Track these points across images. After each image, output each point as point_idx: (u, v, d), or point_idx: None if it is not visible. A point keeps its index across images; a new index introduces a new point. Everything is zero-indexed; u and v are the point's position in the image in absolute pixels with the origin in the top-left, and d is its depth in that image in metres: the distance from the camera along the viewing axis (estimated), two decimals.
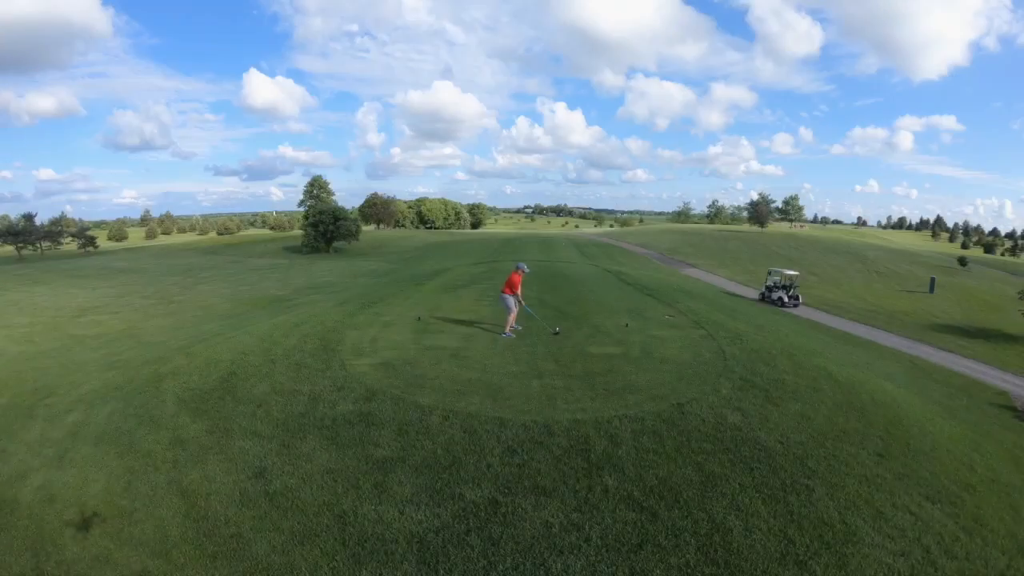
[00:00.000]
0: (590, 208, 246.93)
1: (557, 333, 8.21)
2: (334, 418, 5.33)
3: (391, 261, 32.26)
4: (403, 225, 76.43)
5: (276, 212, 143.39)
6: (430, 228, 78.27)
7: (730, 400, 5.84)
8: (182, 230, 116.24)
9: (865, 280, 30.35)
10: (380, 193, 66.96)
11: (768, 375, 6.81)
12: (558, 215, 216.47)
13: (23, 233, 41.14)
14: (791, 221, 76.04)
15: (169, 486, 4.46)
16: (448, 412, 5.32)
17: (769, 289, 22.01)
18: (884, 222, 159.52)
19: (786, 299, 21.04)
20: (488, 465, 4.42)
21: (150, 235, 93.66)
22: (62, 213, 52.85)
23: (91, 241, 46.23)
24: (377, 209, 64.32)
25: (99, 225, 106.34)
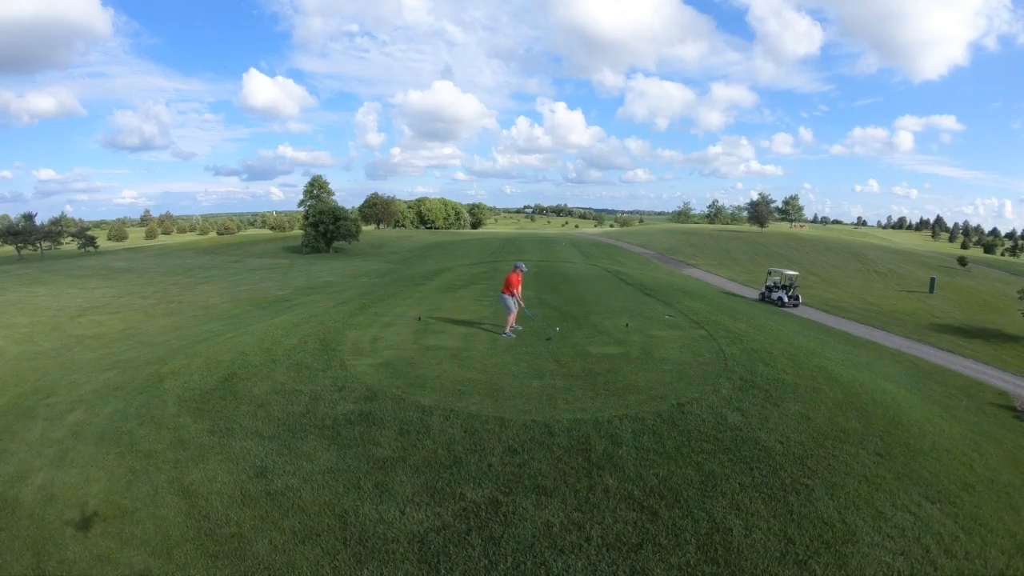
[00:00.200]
0: (590, 208, 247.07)
1: (550, 339, 8.11)
2: (335, 418, 5.34)
3: (391, 261, 32.28)
4: (403, 225, 76.46)
5: (276, 212, 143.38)
6: (430, 228, 78.30)
7: (730, 400, 5.85)
8: (182, 230, 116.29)
9: (865, 280, 30.36)
10: (380, 193, 67.02)
11: (768, 375, 6.82)
12: (558, 215, 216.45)
13: (23, 233, 41.20)
14: (791, 221, 76.05)
15: (170, 486, 4.47)
16: (449, 412, 5.33)
17: (769, 289, 22.02)
18: (884, 222, 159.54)
19: (786, 299, 21.05)
20: (489, 465, 4.43)
21: (150, 235, 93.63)
22: (62, 213, 52.94)
23: (91, 241, 46.27)
24: (377, 209, 64.35)
25: (99, 225, 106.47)
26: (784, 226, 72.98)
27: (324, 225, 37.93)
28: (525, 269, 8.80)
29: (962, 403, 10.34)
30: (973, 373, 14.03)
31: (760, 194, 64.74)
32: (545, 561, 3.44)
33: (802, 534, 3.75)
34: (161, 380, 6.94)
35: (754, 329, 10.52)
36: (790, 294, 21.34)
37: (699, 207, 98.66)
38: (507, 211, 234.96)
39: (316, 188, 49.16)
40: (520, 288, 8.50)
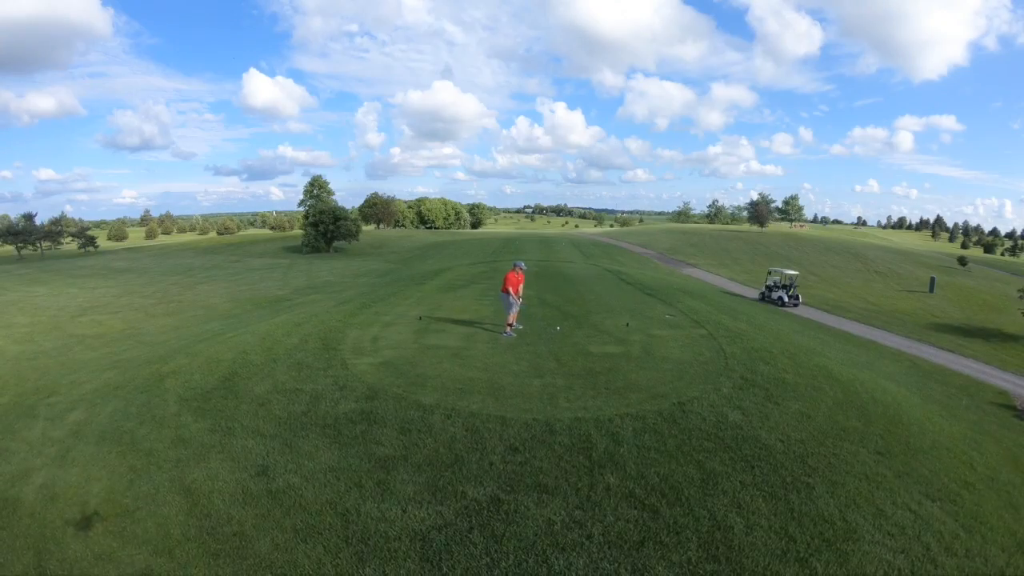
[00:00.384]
0: (590, 208, 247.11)
1: (559, 330, 8.04)
2: (336, 417, 5.34)
3: (391, 261, 32.30)
4: (403, 225, 76.50)
5: (276, 212, 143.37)
6: (430, 228, 78.34)
7: (731, 399, 5.86)
8: (182, 230, 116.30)
9: (865, 280, 30.39)
10: (380, 193, 67.05)
11: (768, 374, 6.83)
12: (558, 215, 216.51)
13: (23, 233, 41.20)
14: (791, 221, 76.14)
15: (171, 484, 4.46)
16: (450, 411, 5.34)
17: (769, 289, 22.04)
18: (884, 222, 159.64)
19: (786, 299, 21.07)
20: (490, 463, 4.43)
21: (150, 235, 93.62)
22: (62, 213, 52.90)
23: (91, 241, 46.27)
24: (377, 209, 64.38)
25: (99, 225, 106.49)
26: (784, 226, 73.05)
27: (324, 225, 37.94)
28: (525, 268, 8.74)
29: (962, 402, 10.35)
30: (973, 372, 14.05)
31: (760, 194, 64.88)
32: (547, 559, 3.44)
33: (803, 532, 3.76)
34: (162, 379, 6.94)
35: (754, 328, 10.53)
36: (790, 294, 21.35)
37: (699, 207, 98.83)
38: (507, 211, 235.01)
39: (316, 188, 49.19)
40: (520, 287, 8.39)
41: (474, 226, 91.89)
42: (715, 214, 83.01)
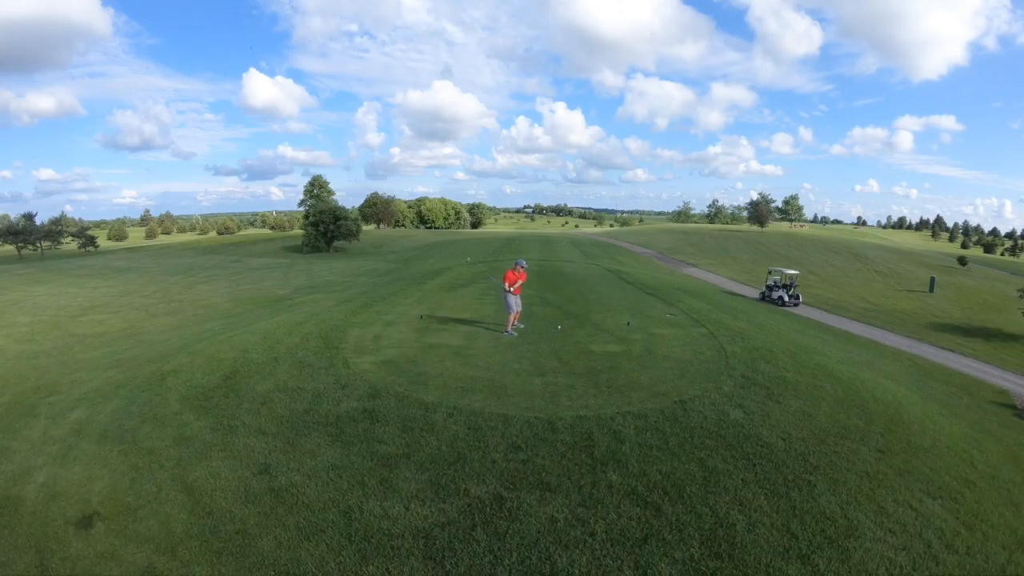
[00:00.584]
0: (590, 208, 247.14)
1: (560, 328, 7.95)
2: (338, 415, 5.35)
3: (392, 260, 32.29)
4: (403, 225, 76.47)
5: (276, 212, 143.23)
6: (430, 228, 78.31)
7: (732, 397, 5.87)
8: (182, 230, 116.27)
9: (865, 280, 30.40)
10: (380, 193, 67.03)
11: (769, 373, 6.84)
12: (558, 215, 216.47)
13: (23, 233, 41.19)
14: (791, 221, 76.16)
15: (173, 483, 4.47)
16: (452, 409, 5.34)
17: (769, 288, 22.05)
18: (884, 222, 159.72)
19: (786, 298, 21.08)
20: (493, 461, 4.44)
21: (150, 235, 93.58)
22: (62, 213, 52.98)
23: (91, 241, 46.27)
24: (377, 209, 64.36)
25: (99, 225, 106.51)
26: (784, 226, 73.03)
27: (324, 224, 37.93)
28: (526, 266, 8.63)
29: (962, 401, 10.37)
30: (973, 372, 14.06)
31: (760, 194, 64.84)
32: (550, 556, 3.45)
33: (805, 529, 3.77)
34: (163, 378, 6.94)
35: (755, 328, 10.54)
36: (790, 293, 21.37)
37: (699, 207, 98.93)
38: (507, 211, 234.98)
39: (316, 188, 49.20)
40: (519, 284, 8.17)
41: (474, 226, 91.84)
42: (715, 214, 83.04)
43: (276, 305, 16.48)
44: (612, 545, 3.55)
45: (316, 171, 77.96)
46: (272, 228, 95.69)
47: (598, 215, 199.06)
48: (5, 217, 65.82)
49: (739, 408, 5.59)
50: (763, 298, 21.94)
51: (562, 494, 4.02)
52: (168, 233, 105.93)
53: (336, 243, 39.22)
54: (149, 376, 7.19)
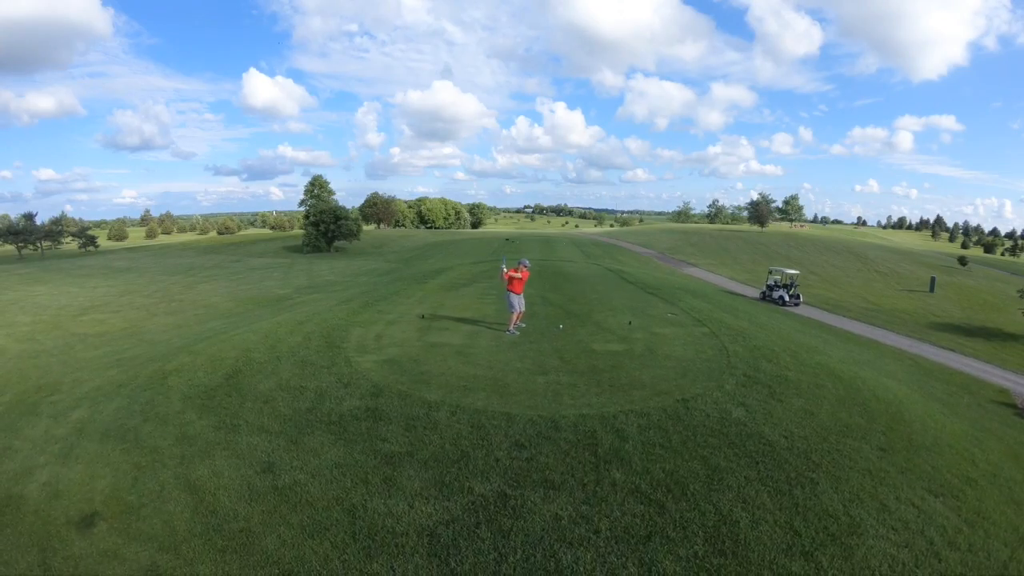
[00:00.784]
0: (590, 208, 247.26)
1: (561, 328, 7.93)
2: (341, 414, 5.35)
3: (392, 260, 32.28)
4: (403, 225, 76.46)
5: (276, 212, 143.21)
6: (430, 228, 78.31)
7: (734, 396, 5.88)
8: (182, 230, 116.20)
9: (865, 279, 30.42)
10: (380, 193, 67.03)
11: (771, 372, 6.85)
12: (558, 215, 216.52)
13: (24, 233, 41.15)
14: (791, 221, 76.18)
15: (176, 481, 4.47)
16: (455, 408, 5.35)
17: (770, 288, 22.07)
18: (884, 222, 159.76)
19: (787, 298, 21.09)
20: (496, 459, 4.45)
21: (150, 235, 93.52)
22: (62, 213, 52.93)
23: (91, 241, 46.22)
24: (377, 209, 64.36)
25: (99, 225, 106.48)
26: (784, 226, 73.09)
27: (325, 224, 37.93)
28: (529, 265, 8.57)
29: (963, 400, 10.38)
30: (974, 371, 14.08)
31: (760, 194, 64.78)
32: (555, 553, 3.46)
33: (808, 526, 3.78)
34: (165, 377, 6.94)
35: (756, 327, 10.55)
36: (791, 293, 21.38)
37: (699, 207, 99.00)
38: (507, 211, 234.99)
39: (317, 188, 49.19)
40: (514, 278, 8.09)
41: (474, 226, 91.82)
42: (715, 214, 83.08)
43: (277, 305, 16.48)
44: (616, 543, 3.55)
45: (316, 171, 78.01)
46: (272, 228, 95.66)
47: (598, 215, 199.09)
48: (5, 217, 65.81)
49: (741, 407, 5.60)
50: (764, 298, 21.95)
51: (566, 492, 4.03)
52: (168, 233, 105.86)
53: (336, 243, 39.22)
54: (151, 375, 7.19)
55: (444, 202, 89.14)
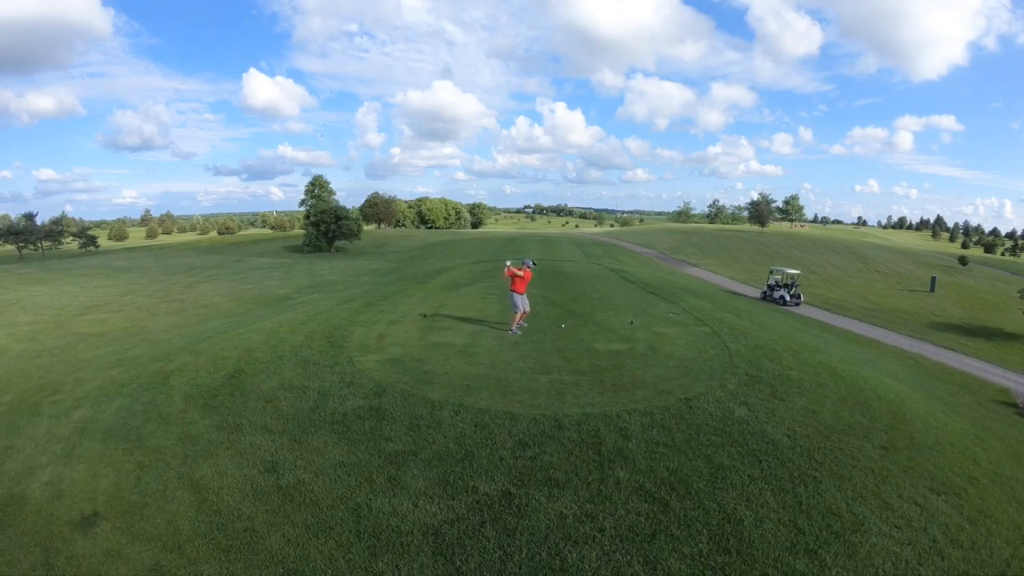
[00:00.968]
0: (590, 208, 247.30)
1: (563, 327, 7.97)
2: (344, 413, 5.35)
3: (393, 260, 32.29)
4: (403, 225, 76.48)
5: (276, 212, 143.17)
6: (430, 228, 78.31)
7: (736, 395, 5.88)
8: (182, 230, 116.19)
9: (866, 279, 30.45)
10: (381, 193, 67.06)
11: (773, 371, 6.85)
12: (558, 215, 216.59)
13: (24, 233, 41.13)
14: (791, 221, 76.23)
15: (180, 481, 4.47)
16: (458, 407, 5.35)
17: (771, 288, 22.08)
18: (884, 222, 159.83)
19: (788, 298, 21.10)
20: (500, 458, 4.45)
21: (151, 235, 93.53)
22: (62, 213, 52.91)
23: (92, 241, 46.19)
24: (378, 209, 64.38)
25: (99, 225, 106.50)
26: (785, 226, 73.13)
27: (326, 224, 37.94)
28: (532, 265, 8.58)
29: (964, 399, 10.39)
30: (974, 370, 14.09)
31: (761, 194, 64.82)
32: (560, 552, 3.46)
33: (811, 524, 3.78)
34: (167, 377, 6.94)
35: (757, 327, 10.56)
36: (792, 293, 21.38)
37: (699, 207, 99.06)
38: (507, 211, 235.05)
39: (317, 188, 49.20)
40: (520, 281, 8.14)
41: (474, 226, 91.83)
42: (716, 214, 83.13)
43: (278, 304, 16.49)
44: (621, 541, 3.56)
45: (316, 171, 78.05)
46: (273, 228, 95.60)
47: (598, 215, 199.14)
48: (6, 217, 65.76)
49: (744, 406, 5.60)
50: (764, 297, 21.96)
51: (570, 491, 4.03)
52: (168, 233, 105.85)
53: (337, 243, 39.24)
54: (153, 375, 7.19)
55: (444, 202, 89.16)
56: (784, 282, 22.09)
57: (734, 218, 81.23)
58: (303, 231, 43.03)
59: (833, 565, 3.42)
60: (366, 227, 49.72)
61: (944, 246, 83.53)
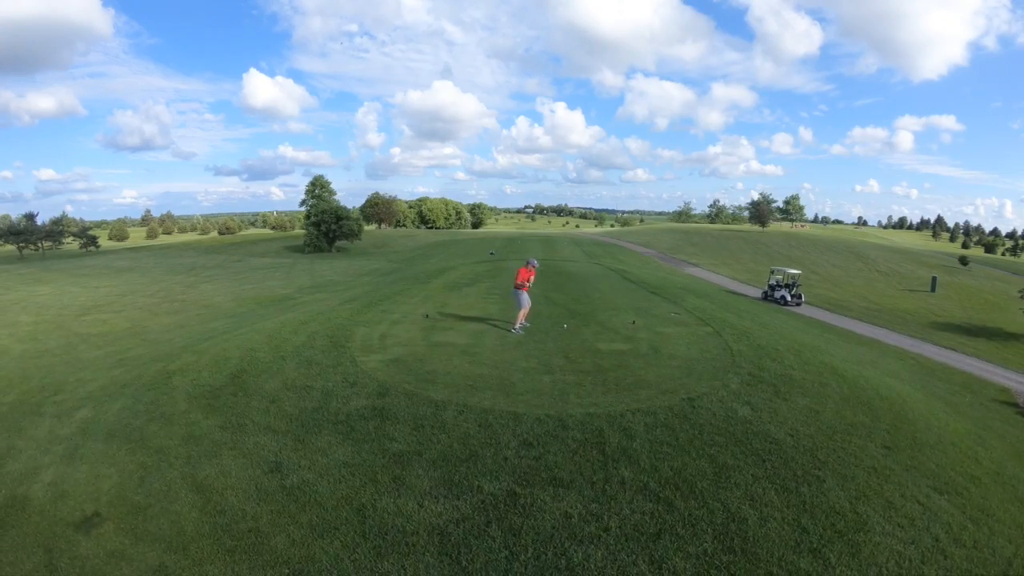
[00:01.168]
0: (591, 208, 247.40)
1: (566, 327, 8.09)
2: (348, 413, 5.36)
3: (394, 260, 32.28)
4: (404, 225, 76.47)
5: (277, 212, 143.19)
6: (431, 228, 78.31)
7: (739, 395, 5.89)
8: (183, 230, 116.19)
9: (867, 279, 30.45)
10: (381, 193, 67.09)
11: (775, 371, 6.86)
12: (559, 215, 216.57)
13: (25, 233, 41.11)
14: (792, 221, 76.24)
15: (183, 481, 4.47)
16: (462, 407, 5.35)
17: (772, 288, 22.08)
18: (885, 222, 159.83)
19: (789, 298, 21.11)
20: (505, 458, 4.45)
21: (151, 235, 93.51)
22: (63, 213, 52.91)
23: (92, 241, 46.16)
24: (378, 209, 64.40)
25: (100, 225, 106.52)
26: (785, 226, 73.11)
27: (326, 224, 37.95)
28: (536, 264, 8.75)
29: (965, 399, 10.40)
30: (975, 370, 14.09)
31: (761, 194, 64.85)
32: (565, 551, 3.47)
33: (815, 523, 3.79)
34: (169, 377, 6.94)
35: (759, 326, 10.57)
36: (793, 293, 21.39)
37: (700, 207, 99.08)
38: (508, 211, 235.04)
39: (318, 188, 49.25)
40: (523, 279, 8.35)
41: (475, 226, 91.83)
42: (716, 214, 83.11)
43: (280, 304, 16.48)
44: (626, 540, 3.57)
45: (316, 171, 78.30)
46: (273, 228, 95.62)
47: (599, 215, 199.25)
48: (6, 217, 65.77)
49: (747, 405, 5.61)
50: (765, 297, 21.97)
51: (575, 490, 4.04)
52: (169, 233, 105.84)
53: (338, 243, 39.24)
54: (155, 375, 7.19)
55: (445, 202, 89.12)
56: (785, 282, 22.09)
57: (735, 218, 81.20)
58: (304, 231, 43.02)
59: (837, 564, 3.43)
60: (367, 227, 49.73)
61: (944, 246, 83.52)
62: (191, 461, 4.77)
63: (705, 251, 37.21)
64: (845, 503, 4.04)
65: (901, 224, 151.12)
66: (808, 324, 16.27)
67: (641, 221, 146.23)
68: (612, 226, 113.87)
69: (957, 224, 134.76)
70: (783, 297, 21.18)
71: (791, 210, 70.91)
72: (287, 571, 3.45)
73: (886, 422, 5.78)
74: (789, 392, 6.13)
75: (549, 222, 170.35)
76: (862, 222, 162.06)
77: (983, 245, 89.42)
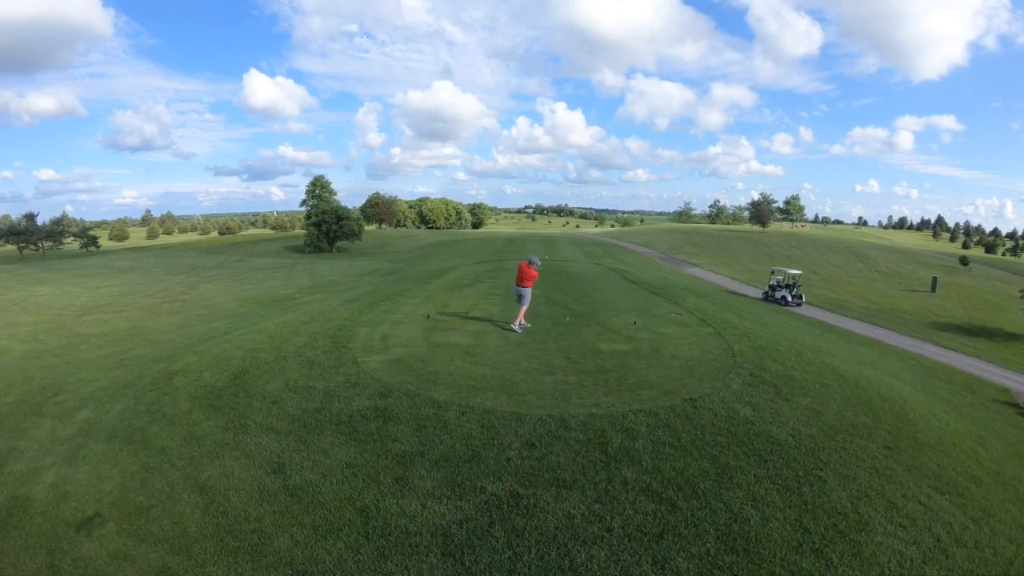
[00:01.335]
0: (591, 208, 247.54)
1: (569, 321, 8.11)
2: (350, 414, 5.36)
3: (395, 260, 32.27)
4: (404, 225, 76.48)
5: (277, 212, 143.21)
6: (431, 228, 78.31)
7: (741, 395, 5.90)
8: (183, 230, 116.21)
9: (867, 279, 30.45)
10: (382, 193, 67.07)
11: (777, 371, 6.87)
12: (559, 215, 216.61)
13: (25, 233, 41.11)
14: (792, 221, 76.25)
15: (186, 482, 4.47)
16: (464, 407, 5.36)
17: (772, 288, 22.08)
18: (885, 222, 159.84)
19: (789, 298, 21.10)
20: (507, 459, 4.46)
21: (151, 235, 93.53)
22: (63, 213, 52.88)
23: (93, 241, 46.14)
24: (379, 209, 64.38)
25: (100, 225, 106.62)
26: (785, 226, 73.14)
27: (327, 225, 37.94)
28: (538, 263, 8.76)
29: (966, 399, 10.41)
30: (976, 371, 14.10)
31: (761, 194, 64.72)
32: (568, 552, 3.48)
33: (817, 523, 3.80)
34: (171, 377, 6.95)
35: (760, 327, 10.57)
36: (793, 293, 21.38)
37: (700, 207, 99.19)
38: (508, 211, 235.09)
39: (318, 188, 49.22)
40: (528, 279, 8.40)
41: (475, 226, 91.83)
42: (716, 214, 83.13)
43: (281, 304, 16.48)
44: (629, 540, 3.57)
45: (317, 171, 78.44)
46: (273, 228, 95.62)
47: (599, 215, 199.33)
48: (6, 217, 65.76)
49: (748, 406, 5.62)
50: (766, 298, 21.96)
51: (578, 491, 4.04)
52: (169, 233, 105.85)
53: (338, 243, 39.23)
54: (156, 375, 7.20)
55: (445, 202, 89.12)
56: (785, 282, 22.10)
57: (735, 218, 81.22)
58: (304, 231, 43.00)
59: (839, 564, 3.44)
60: (367, 227, 49.70)
61: (945, 246, 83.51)
62: (193, 462, 4.77)
63: (705, 251, 37.21)
64: (847, 503, 4.05)
65: (901, 224, 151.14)
66: (809, 324, 16.27)
67: (641, 221, 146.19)
68: (612, 226, 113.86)
69: (957, 224, 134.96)
70: (784, 297, 21.18)
71: (791, 210, 70.91)
72: (290, 572, 3.45)
73: (887, 422, 5.79)
74: (790, 392, 6.14)
75: (549, 222, 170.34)
76: (862, 222, 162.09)
77: (983, 245, 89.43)
